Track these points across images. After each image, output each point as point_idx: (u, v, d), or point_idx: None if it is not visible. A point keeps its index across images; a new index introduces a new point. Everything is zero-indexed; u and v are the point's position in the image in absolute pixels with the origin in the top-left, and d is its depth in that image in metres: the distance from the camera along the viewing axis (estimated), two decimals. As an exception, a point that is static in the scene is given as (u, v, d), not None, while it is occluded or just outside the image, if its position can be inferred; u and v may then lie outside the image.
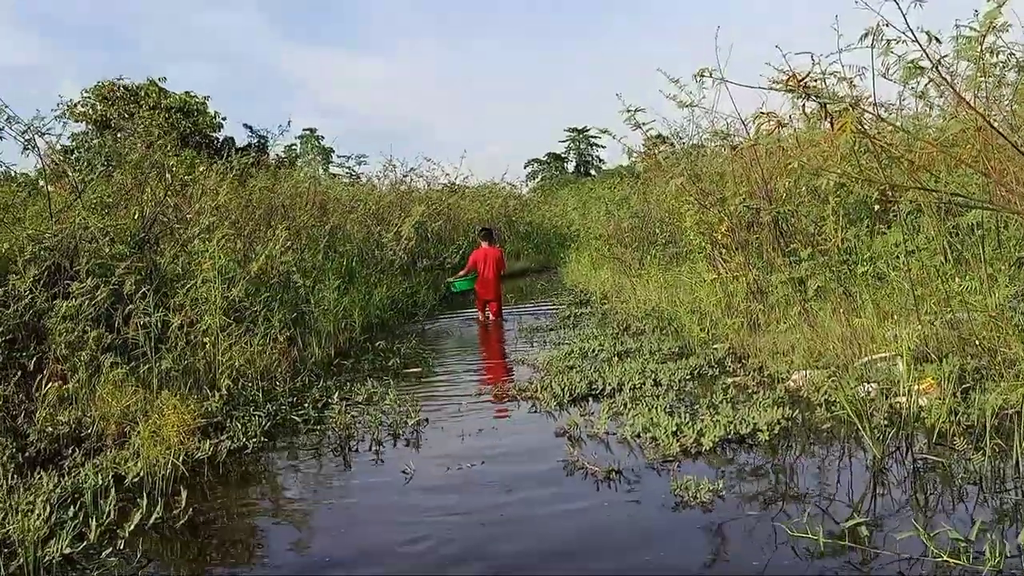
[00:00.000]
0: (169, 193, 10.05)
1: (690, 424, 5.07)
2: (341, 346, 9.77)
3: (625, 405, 5.86)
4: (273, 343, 7.99)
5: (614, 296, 12.66)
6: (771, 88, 5.06)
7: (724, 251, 9.89)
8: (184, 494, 4.41)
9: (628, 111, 6.82)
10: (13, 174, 9.77)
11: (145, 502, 4.26)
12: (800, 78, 4.91)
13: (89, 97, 32.85)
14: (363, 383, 7.45)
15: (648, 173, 14.19)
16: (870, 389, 5.41)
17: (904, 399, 5.06)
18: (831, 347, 6.33)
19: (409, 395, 7.07)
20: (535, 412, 6.18)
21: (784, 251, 8.74)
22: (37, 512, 4.05)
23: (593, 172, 65.78)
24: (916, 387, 5.18)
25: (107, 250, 7.92)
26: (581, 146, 73.90)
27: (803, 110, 5.04)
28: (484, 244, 12.76)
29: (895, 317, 6.39)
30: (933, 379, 5.25)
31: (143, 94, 33.74)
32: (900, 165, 5.67)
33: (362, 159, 21.47)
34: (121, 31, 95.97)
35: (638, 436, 5.12)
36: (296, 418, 6.22)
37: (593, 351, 8.39)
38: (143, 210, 9.24)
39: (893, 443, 4.55)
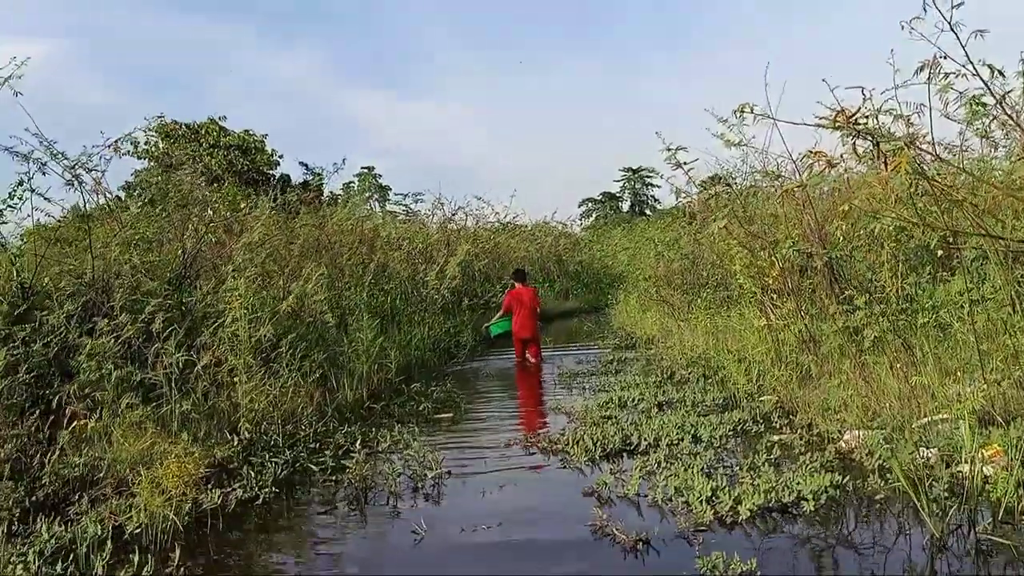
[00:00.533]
0: (210, 229, 10.06)
1: (727, 489, 4.64)
2: (375, 387, 9.54)
3: (659, 464, 5.46)
4: (301, 385, 7.81)
5: (660, 340, 12.23)
6: (817, 125, 4.71)
7: (775, 296, 9.44)
8: (178, 551, 4.16)
9: (668, 150, 6.51)
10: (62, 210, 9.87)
11: (137, 558, 4.02)
12: (849, 114, 4.55)
13: (152, 135, 33.89)
14: (390, 429, 7.17)
15: (700, 214, 13.82)
16: (929, 455, 4.92)
17: (967, 467, 4.57)
18: (887, 405, 5.84)
19: (435, 443, 6.77)
20: (564, 468, 5.80)
21: (839, 298, 8.27)
22: (25, 566, 3.85)
23: (648, 212, 65.26)
24: (980, 454, 4.68)
25: (143, 287, 7.88)
26: (636, 186, 73.63)
27: (854, 149, 4.67)
28: (518, 285, 12.72)
29: (958, 374, 5.88)
30: (999, 446, 4.74)
31: (203, 132, 34.70)
32: (963, 209, 5.23)
33: (419, 197, 21.38)
34: (194, 79, 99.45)
35: (670, 500, 4.71)
36: (313, 466, 5.96)
37: (633, 400, 7.99)
38: (184, 246, 9.24)
39: (954, 519, 4.06)
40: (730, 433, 6.25)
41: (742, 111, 4.97)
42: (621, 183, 74.01)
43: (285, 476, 5.76)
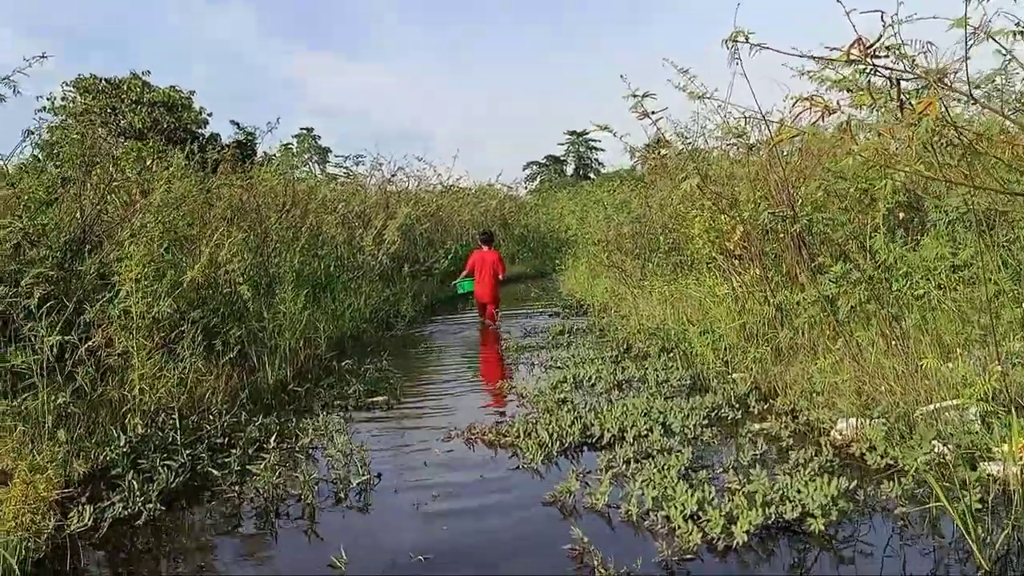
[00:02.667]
0: (113, 189, 8.85)
1: (715, 501, 3.84)
2: (302, 365, 8.54)
3: (629, 463, 4.63)
4: (211, 367, 6.79)
5: (614, 308, 11.43)
6: (827, 60, 3.87)
7: (737, 262, 8.72)
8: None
9: (635, 95, 5.57)
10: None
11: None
12: (866, 45, 3.70)
13: (71, 90, 31.67)
14: (314, 418, 6.22)
15: (652, 175, 13.03)
16: (944, 451, 4.20)
17: (997, 469, 3.86)
18: (883, 389, 5.11)
19: (366, 435, 5.85)
20: (516, 469, 4.93)
21: (808, 265, 7.58)
22: None
23: (592, 176, 64.57)
24: (1007, 448, 3.97)
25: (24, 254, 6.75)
26: (580, 149, 72.78)
27: (867, 89, 3.84)
28: (484, 248, 12.61)
29: (958, 351, 5.19)
30: (1029, 439, 4.04)
31: (125, 88, 32.53)
32: (983, 162, 4.48)
33: (360, 158, 20.04)
34: (123, 39, 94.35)
35: (647, 515, 3.89)
36: (215, 471, 4.97)
37: (589, 379, 7.17)
38: (81, 207, 8.04)
39: (1001, 542, 3.31)
40: (704, 421, 5.44)
41: (734, 40, 4.08)
42: (565, 147, 73.11)
43: (179, 484, 4.76)
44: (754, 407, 5.81)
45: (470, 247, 21.68)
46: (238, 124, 35.68)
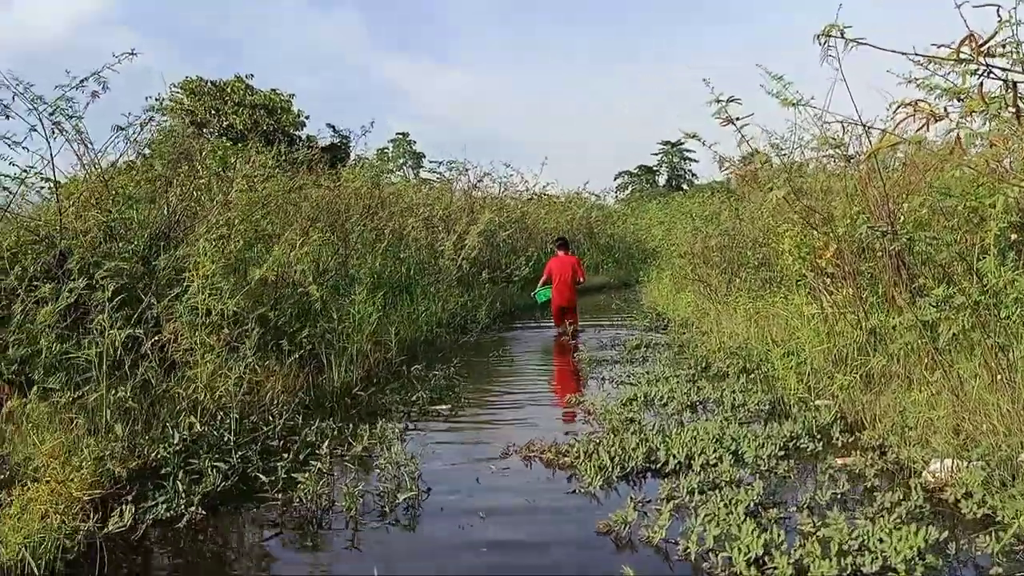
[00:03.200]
0: (197, 185, 9.01)
1: (784, 545, 3.46)
2: (371, 369, 8.46)
3: (693, 494, 4.28)
4: (278, 368, 6.76)
5: (695, 324, 10.98)
6: (934, 59, 3.46)
7: (828, 281, 8.19)
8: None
9: (718, 101, 5.18)
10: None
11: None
12: (979, 42, 3.28)
13: (177, 91, 33.05)
14: (374, 423, 6.08)
15: (742, 187, 12.51)
16: (1056, 505, 3.69)
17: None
18: (985, 427, 4.59)
19: (423, 444, 5.67)
20: (572, 492, 4.64)
21: (908, 286, 7.03)
22: None
23: (685, 187, 63.38)
24: None
25: (105, 248, 6.87)
26: (674, 159, 71.56)
27: (979, 93, 3.40)
28: (560, 252, 12.50)
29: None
30: None
31: (229, 90, 33.75)
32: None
33: (453, 164, 19.90)
34: (237, 42, 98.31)
35: (708, 554, 3.54)
36: (262, 476, 4.85)
37: (661, 398, 6.80)
38: (168, 202, 8.20)
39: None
40: (780, 452, 5.02)
41: (828, 35, 3.70)
42: (659, 156, 72.02)
43: (226, 487, 4.67)
44: (837, 439, 5.34)
45: (552, 253, 21.49)
46: (334, 127, 36.43)
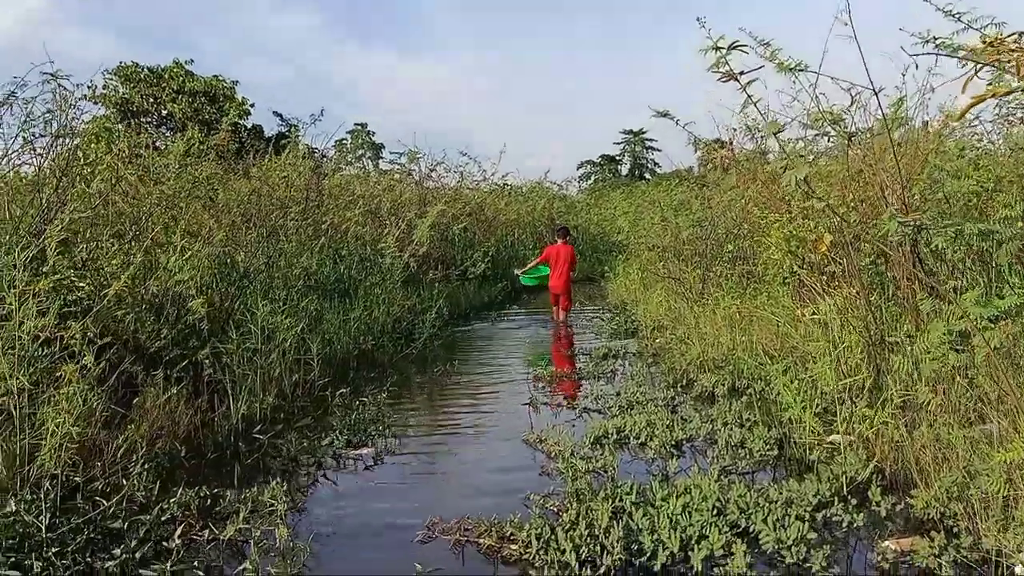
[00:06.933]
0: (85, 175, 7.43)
1: None
2: (289, 395, 6.98)
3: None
4: (150, 405, 5.26)
5: (669, 328, 9.62)
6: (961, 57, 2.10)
7: (825, 280, 6.93)
8: None
9: (717, 48, 3.73)
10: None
11: None
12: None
13: (112, 79, 30.97)
14: (268, 479, 4.61)
15: (721, 171, 11.22)
16: None
17: None
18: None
19: (324, 514, 4.22)
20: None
21: (929, 287, 5.79)
22: None
23: (648, 176, 62.39)
24: None
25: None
26: (636, 148, 70.55)
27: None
28: (559, 241, 12.89)
29: None
30: None
31: (167, 76, 31.72)
32: None
33: (416, 155, 18.13)
34: (184, 34, 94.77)
35: None
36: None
37: (637, 435, 5.42)
38: (44, 197, 6.66)
39: None
40: (807, 530, 3.64)
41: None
42: (621, 146, 70.95)
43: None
44: (879, 504, 3.98)
45: (513, 249, 20.15)
46: (281, 116, 34.51)
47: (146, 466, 4.67)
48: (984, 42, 2.78)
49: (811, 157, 7.63)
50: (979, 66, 2.79)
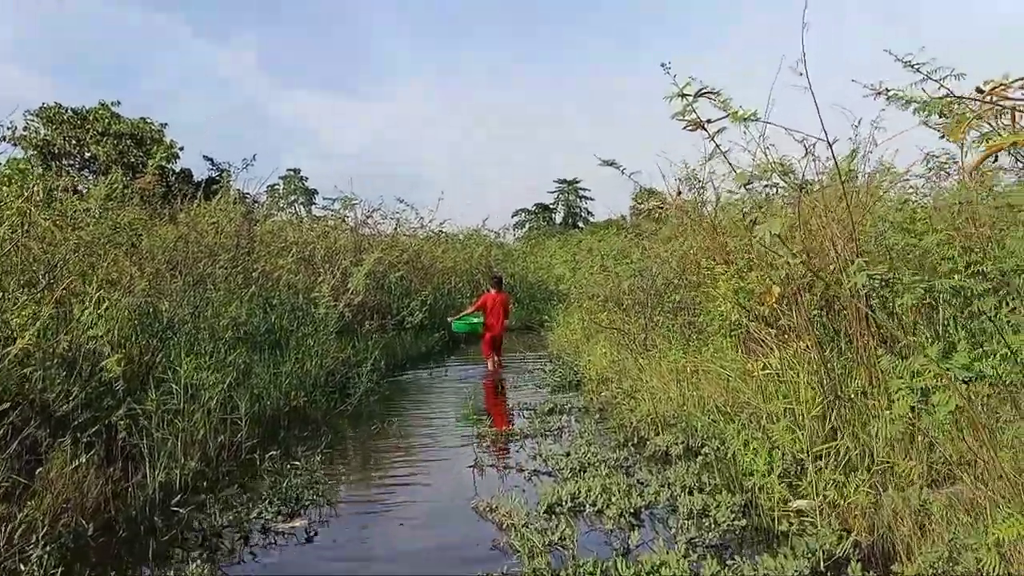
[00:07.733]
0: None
1: None
2: (213, 458, 6.43)
3: None
4: (54, 475, 4.70)
5: (614, 381, 9.36)
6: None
7: (777, 333, 6.79)
8: None
9: (683, 95, 3.49)
10: None
11: None
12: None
13: (33, 120, 29.75)
14: (185, 561, 4.10)
15: (653, 221, 11.24)
16: None
17: None
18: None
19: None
20: None
21: (885, 339, 5.71)
22: None
23: (581, 224, 63.10)
24: None
25: None
26: (570, 197, 71.47)
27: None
28: (493, 290, 13.15)
29: None
30: None
31: (92, 118, 30.68)
32: None
33: (352, 201, 17.51)
34: (120, 73, 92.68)
35: None
36: None
37: (593, 501, 5.08)
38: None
39: None
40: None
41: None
42: (555, 194, 71.80)
43: None
44: (861, 583, 3.73)
45: (451, 297, 19.75)
46: (211, 160, 33.69)
47: (47, 548, 4.11)
48: (978, 90, 2.62)
49: (763, 209, 7.55)
50: (974, 115, 2.62)
